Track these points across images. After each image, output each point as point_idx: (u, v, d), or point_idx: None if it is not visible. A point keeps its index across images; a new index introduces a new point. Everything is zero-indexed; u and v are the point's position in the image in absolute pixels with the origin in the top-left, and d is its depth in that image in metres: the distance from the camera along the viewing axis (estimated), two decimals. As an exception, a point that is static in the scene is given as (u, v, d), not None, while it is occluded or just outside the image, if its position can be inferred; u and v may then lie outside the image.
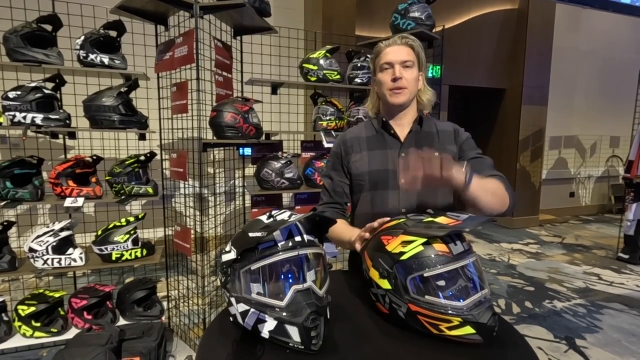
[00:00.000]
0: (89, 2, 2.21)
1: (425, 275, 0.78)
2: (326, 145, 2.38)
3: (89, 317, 2.04)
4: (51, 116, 1.95)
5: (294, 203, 2.62)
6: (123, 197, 2.09)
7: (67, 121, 2.00)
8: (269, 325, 0.76)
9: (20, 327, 1.96)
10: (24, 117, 1.90)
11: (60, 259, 1.98)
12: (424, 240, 0.80)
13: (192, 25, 1.88)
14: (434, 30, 2.56)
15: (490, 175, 1.12)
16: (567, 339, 2.41)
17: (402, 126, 1.25)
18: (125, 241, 2.07)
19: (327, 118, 2.52)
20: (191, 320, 2.38)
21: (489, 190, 1.02)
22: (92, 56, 1.98)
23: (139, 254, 2.12)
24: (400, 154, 1.21)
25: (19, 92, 1.91)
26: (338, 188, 1.29)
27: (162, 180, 2.34)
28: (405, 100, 1.20)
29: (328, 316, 0.83)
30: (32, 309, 1.94)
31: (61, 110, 2.01)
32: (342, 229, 1.19)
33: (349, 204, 1.34)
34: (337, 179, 1.30)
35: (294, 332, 0.75)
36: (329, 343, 0.79)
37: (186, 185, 2.24)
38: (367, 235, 0.97)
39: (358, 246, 1.02)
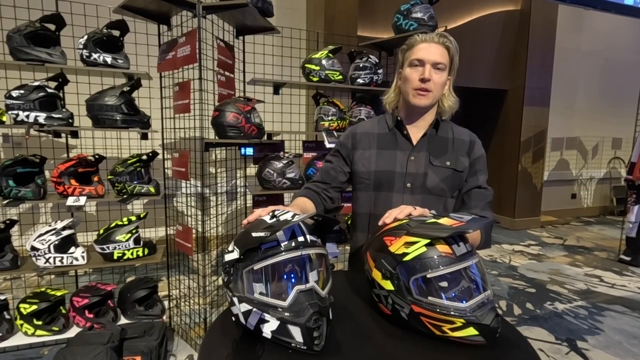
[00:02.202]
0: (92, 2, 2.22)
1: (428, 276, 0.78)
2: (328, 145, 2.37)
3: (91, 315, 2.04)
4: (54, 115, 1.95)
5: (296, 203, 2.62)
6: (125, 196, 2.09)
7: (70, 120, 2.00)
8: (271, 325, 0.76)
9: (21, 325, 1.96)
10: (27, 116, 1.91)
11: (62, 257, 1.98)
12: (427, 241, 0.80)
13: (194, 25, 1.88)
14: (436, 31, 2.55)
15: (478, 215, 1.11)
16: (568, 341, 2.41)
17: (417, 127, 1.20)
18: (127, 240, 2.08)
19: (329, 118, 2.51)
20: (192, 319, 2.38)
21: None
22: (95, 55, 1.99)
23: (140, 253, 2.13)
24: (410, 157, 1.17)
25: (22, 91, 1.91)
26: (332, 172, 1.26)
27: (164, 179, 2.34)
28: (428, 103, 1.14)
29: (330, 317, 0.83)
30: (34, 307, 1.95)
31: (64, 110, 2.02)
32: (303, 205, 1.15)
33: (337, 191, 1.28)
34: (335, 163, 1.27)
35: (296, 333, 0.75)
36: (331, 343, 0.79)
37: (188, 185, 2.24)
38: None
39: None
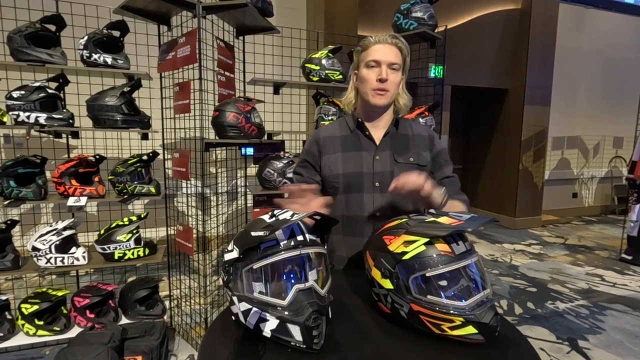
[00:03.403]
0: (92, 2, 2.22)
1: (428, 275, 0.78)
2: (328, 145, 2.37)
3: (92, 315, 2.05)
4: (55, 116, 1.96)
5: (296, 203, 2.62)
6: (126, 196, 2.09)
7: (71, 121, 2.01)
8: (271, 324, 0.77)
9: (23, 325, 1.97)
10: (28, 117, 1.91)
11: (63, 257, 1.99)
12: (426, 240, 0.80)
13: (194, 25, 1.88)
14: (436, 30, 2.55)
15: (457, 199, 1.18)
16: (569, 340, 2.40)
17: (378, 127, 1.24)
18: (127, 240, 2.08)
19: (329, 118, 2.51)
20: (193, 319, 2.39)
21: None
22: (95, 56, 1.99)
23: (141, 253, 2.13)
24: (375, 156, 1.20)
25: (22, 92, 1.92)
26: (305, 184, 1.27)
27: (164, 179, 2.35)
28: (386, 103, 1.19)
29: (330, 315, 0.83)
30: (35, 307, 1.95)
31: (64, 110, 2.02)
32: None
33: None
34: (306, 175, 1.28)
35: (295, 331, 0.75)
36: (331, 342, 0.79)
37: (188, 185, 2.25)
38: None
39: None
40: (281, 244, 0.78)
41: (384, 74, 1.13)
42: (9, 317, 2.01)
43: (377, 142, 1.22)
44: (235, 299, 0.81)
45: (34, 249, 1.96)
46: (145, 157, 2.15)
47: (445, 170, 1.25)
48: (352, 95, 1.26)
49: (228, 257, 0.82)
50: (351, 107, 1.28)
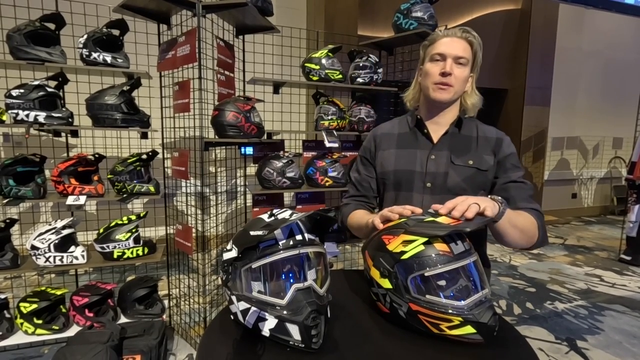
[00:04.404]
0: (92, 1, 2.22)
1: (426, 274, 0.78)
2: (327, 145, 2.37)
3: (91, 314, 2.04)
4: (54, 114, 1.95)
5: (295, 202, 2.62)
6: (125, 195, 2.09)
7: (70, 119, 2.01)
8: (270, 323, 0.77)
9: (22, 324, 1.97)
10: (27, 115, 1.91)
11: (62, 256, 1.99)
12: (424, 239, 0.80)
13: (194, 25, 1.88)
14: (436, 30, 2.55)
15: (527, 207, 1.04)
16: (568, 341, 2.41)
17: (439, 125, 1.16)
18: (126, 239, 2.08)
19: (329, 118, 2.51)
20: (192, 318, 2.39)
21: (517, 227, 0.96)
22: (95, 55, 1.99)
23: (140, 253, 2.13)
24: (430, 156, 1.14)
25: (22, 91, 1.91)
26: (365, 182, 1.25)
27: (163, 178, 2.34)
28: (449, 98, 1.11)
29: (328, 315, 0.83)
30: (34, 306, 1.95)
31: (64, 109, 2.02)
32: (361, 214, 1.15)
33: (376, 200, 1.28)
34: (364, 173, 1.25)
35: (294, 331, 0.75)
36: (330, 342, 0.79)
37: (188, 184, 2.25)
38: (389, 214, 0.90)
39: (377, 221, 0.92)
40: (280, 243, 0.78)
41: (447, 67, 1.07)
42: (7, 316, 2.01)
43: (435, 141, 1.15)
44: (234, 298, 0.81)
45: (33, 247, 1.96)
46: (144, 156, 2.15)
47: (512, 174, 1.11)
48: (414, 92, 1.21)
49: (227, 256, 0.83)
50: (412, 104, 1.24)
